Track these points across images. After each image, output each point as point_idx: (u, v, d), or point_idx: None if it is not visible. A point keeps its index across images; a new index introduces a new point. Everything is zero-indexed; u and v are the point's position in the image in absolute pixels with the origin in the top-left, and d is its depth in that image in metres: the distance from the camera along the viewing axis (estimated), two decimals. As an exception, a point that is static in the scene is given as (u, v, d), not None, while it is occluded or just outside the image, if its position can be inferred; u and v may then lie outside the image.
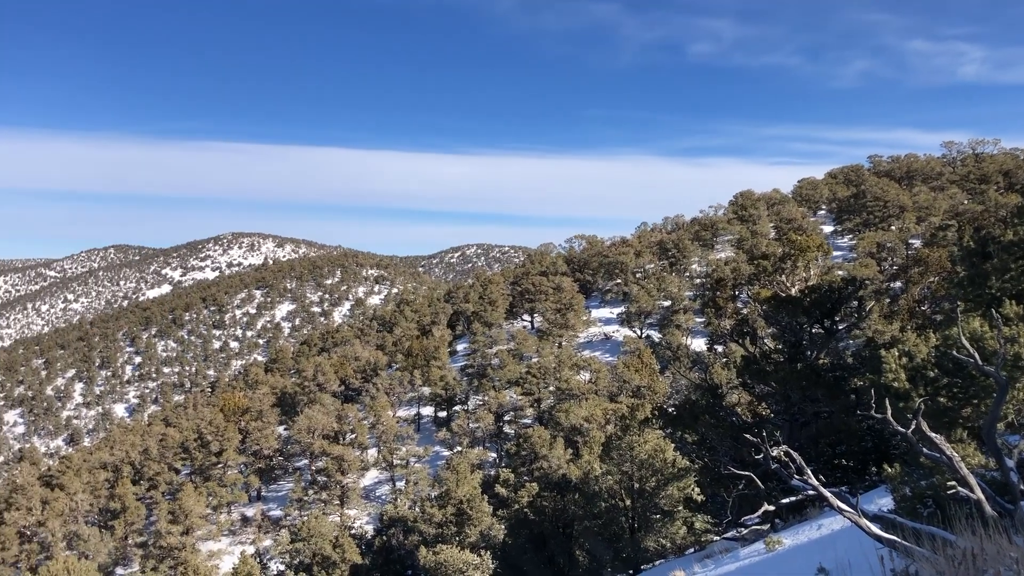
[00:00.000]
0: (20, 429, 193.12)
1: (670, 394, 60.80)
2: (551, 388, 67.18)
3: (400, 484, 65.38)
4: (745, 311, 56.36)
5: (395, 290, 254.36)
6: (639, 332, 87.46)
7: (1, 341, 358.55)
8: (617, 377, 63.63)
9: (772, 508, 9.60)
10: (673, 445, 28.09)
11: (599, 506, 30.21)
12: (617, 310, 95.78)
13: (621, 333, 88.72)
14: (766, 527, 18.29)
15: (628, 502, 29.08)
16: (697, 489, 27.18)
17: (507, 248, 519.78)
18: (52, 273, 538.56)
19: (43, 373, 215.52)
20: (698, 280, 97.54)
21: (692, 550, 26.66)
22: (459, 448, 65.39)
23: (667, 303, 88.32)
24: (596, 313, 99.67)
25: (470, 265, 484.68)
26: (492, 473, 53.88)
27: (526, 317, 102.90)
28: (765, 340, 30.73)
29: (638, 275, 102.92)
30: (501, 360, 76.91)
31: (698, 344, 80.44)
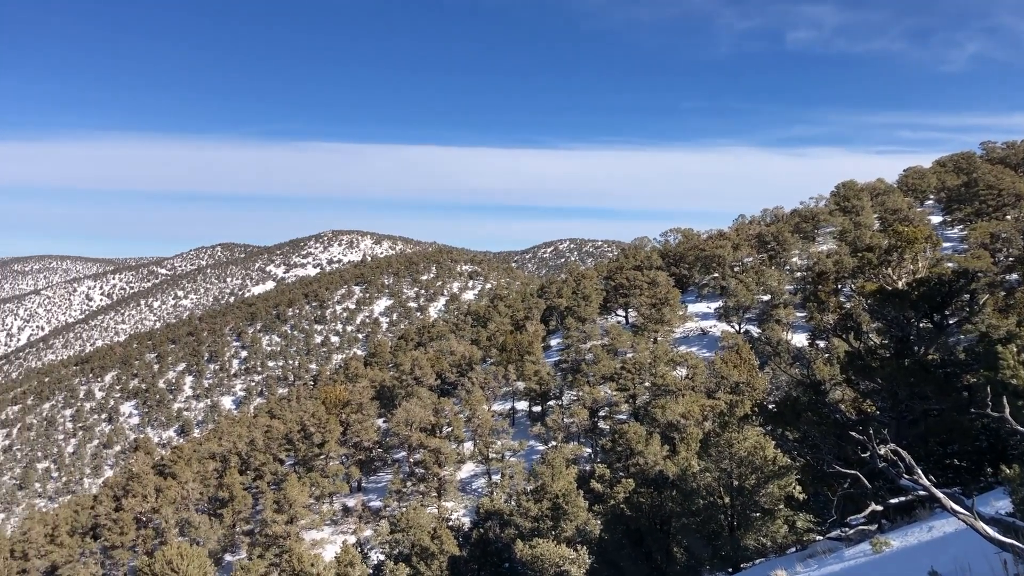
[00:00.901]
0: (135, 420, 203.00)
1: (770, 390, 59.38)
2: (646, 384, 66.54)
3: (496, 478, 65.96)
4: (849, 305, 54.58)
5: (489, 285, 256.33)
6: (737, 327, 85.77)
7: (117, 336, 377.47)
8: (715, 373, 62.52)
9: (879, 508, 9.30)
10: (774, 442, 27.46)
11: (697, 503, 29.82)
12: (714, 305, 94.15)
13: (718, 328, 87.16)
14: (873, 528, 17.71)
15: (727, 499, 28.61)
16: (799, 487, 26.54)
17: (600, 242, 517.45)
18: (163, 271, 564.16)
19: (155, 367, 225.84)
20: (799, 273, 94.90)
21: (793, 549, 26.08)
22: (554, 443, 65.51)
23: (766, 297, 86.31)
24: (692, 308, 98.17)
25: (563, 260, 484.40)
26: (587, 468, 53.79)
27: (620, 312, 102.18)
28: (870, 335, 29.74)
29: (736, 269, 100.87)
30: (595, 355, 76.63)
31: (799, 339, 78.30)
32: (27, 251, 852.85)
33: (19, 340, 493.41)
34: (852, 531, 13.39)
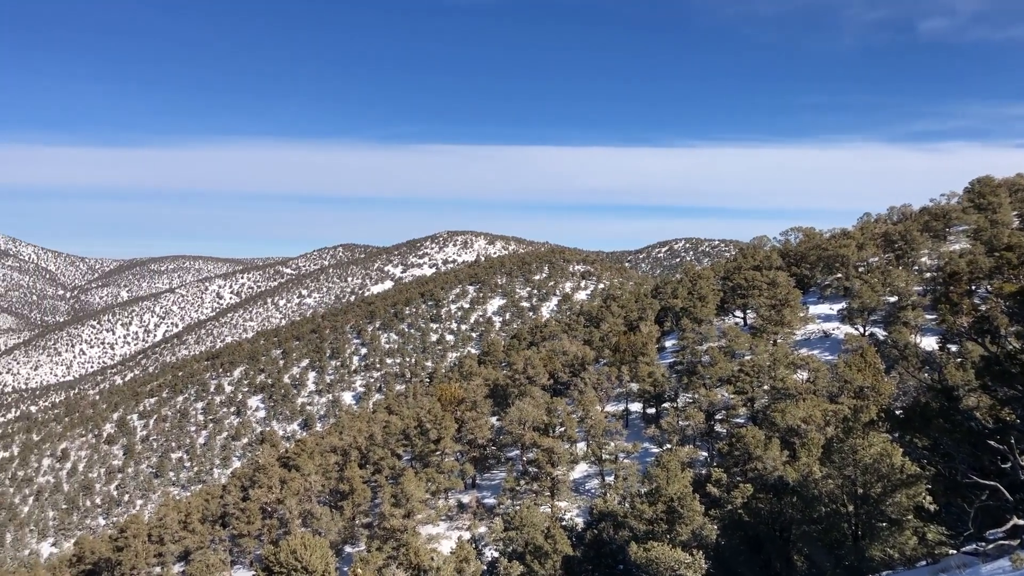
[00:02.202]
0: (261, 414, 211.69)
1: (897, 396, 56.83)
2: (765, 387, 64.79)
3: (609, 479, 65.60)
4: (985, 308, 51.66)
5: (601, 285, 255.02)
6: (862, 329, 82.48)
7: (245, 333, 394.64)
8: (838, 377, 60.28)
9: (1022, 523, 8.79)
10: (902, 450, 26.31)
11: (819, 511, 28.90)
12: (837, 306, 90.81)
13: (842, 330, 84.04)
14: (1014, 543, 16.75)
15: (851, 508, 27.60)
16: (929, 497, 25.34)
17: (717, 242, 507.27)
18: (288, 271, 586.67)
19: (281, 363, 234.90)
20: (928, 274, 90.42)
21: (924, 563, 24.93)
22: (668, 446, 64.63)
23: (893, 299, 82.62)
24: (814, 309, 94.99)
25: (678, 260, 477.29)
26: (703, 472, 52.87)
27: (738, 313, 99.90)
28: (1009, 339, 28.08)
29: (861, 269, 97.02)
30: (712, 357, 75.17)
31: (928, 343, 74.61)
32: (163, 252, 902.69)
33: (155, 336, 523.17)
34: (990, 546, 12.66)
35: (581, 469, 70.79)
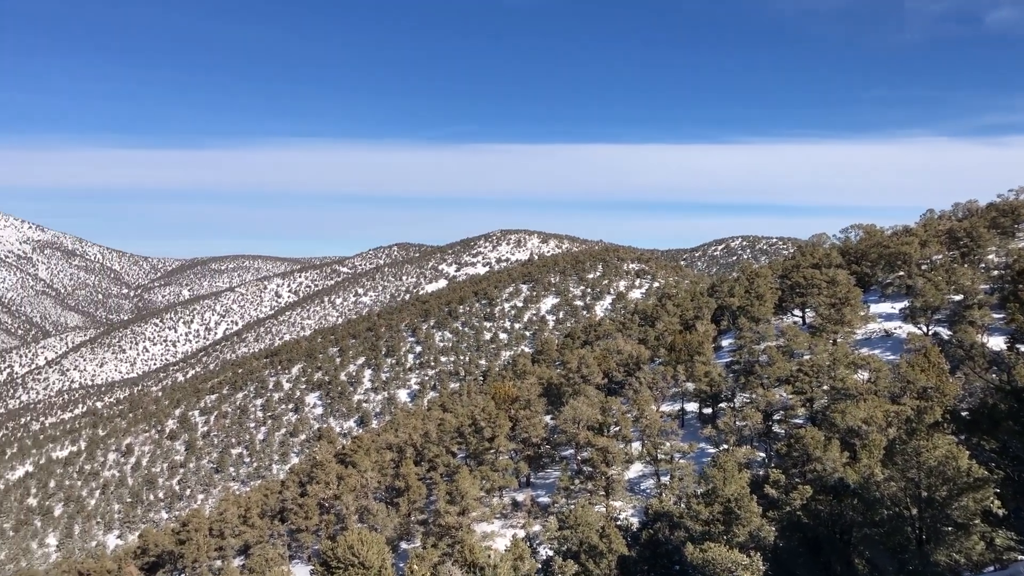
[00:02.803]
0: (319, 411, 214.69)
1: (962, 397, 55.28)
2: (825, 387, 63.59)
3: (665, 479, 65.08)
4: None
5: (656, 284, 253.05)
6: (925, 329, 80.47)
7: (303, 331, 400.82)
8: (900, 377, 58.88)
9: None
10: (968, 452, 25.60)
11: (881, 514, 28.28)
12: (899, 305, 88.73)
13: (904, 330, 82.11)
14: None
15: (914, 511, 26.96)
16: (997, 502, 24.62)
17: (774, 240, 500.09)
18: (344, 269, 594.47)
19: (337, 360, 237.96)
20: (996, 272, 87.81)
21: (992, 568, 24.27)
22: (725, 446, 63.87)
23: (958, 297, 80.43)
24: (875, 308, 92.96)
25: (735, 258, 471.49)
26: (760, 473, 52.14)
27: (796, 312, 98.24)
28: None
29: (924, 267, 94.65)
30: (770, 357, 74.04)
31: (995, 342, 72.46)
32: (223, 251, 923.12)
33: (216, 334, 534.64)
34: (1063, 551, 12.25)
35: (636, 469, 70.35)
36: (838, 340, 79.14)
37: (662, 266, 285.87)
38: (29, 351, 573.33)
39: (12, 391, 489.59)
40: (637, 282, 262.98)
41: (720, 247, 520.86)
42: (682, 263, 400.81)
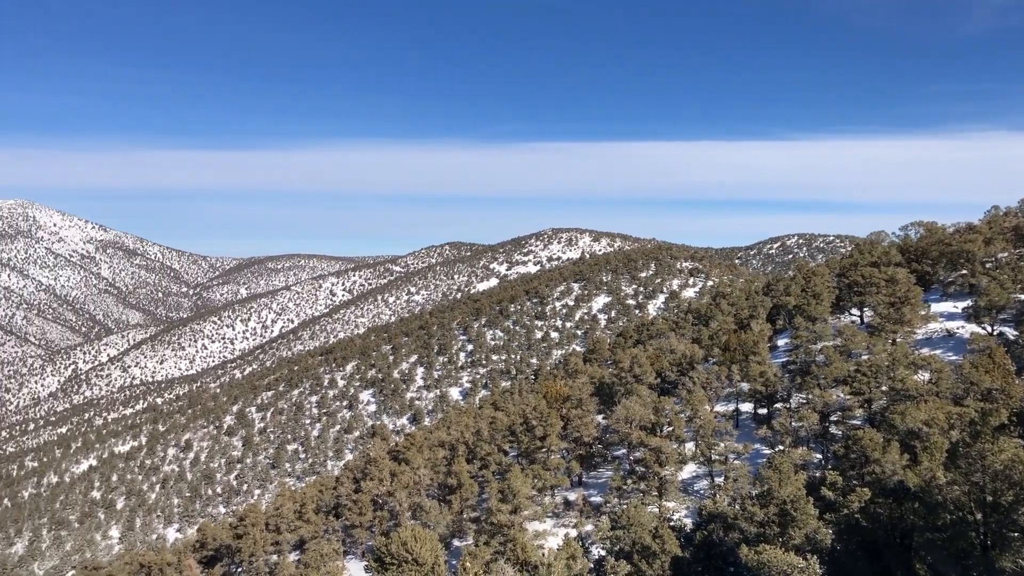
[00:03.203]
0: (372, 408, 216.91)
1: (1029, 399, 53.62)
2: (884, 388, 62.23)
3: (719, 480, 64.37)
4: None
5: (710, 283, 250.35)
6: (989, 329, 78.24)
7: (357, 329, 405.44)
8: (963, 378, 57.32)
9: None
10: (1036, 456, 24.84)
11: (943, 518, 27.59)
12: (962, 304, 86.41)
13: (967, 330, 79.94)
14: None
15: (979, 516, 26.24)
16: (1067, 508, 23.85)
17: (831, 237, 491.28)
18: (397, 268, 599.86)
19: (391, 358, 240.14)
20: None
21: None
22: (780, 447, 62.93)
23: (1024, 296, 78.14)
24: (936, 307, 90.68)
25: (790, 256, 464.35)
26: (817, 475, 51.25)
27: (854, 312, 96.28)
28: None
29: (988, 265, 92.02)
30: (827, 357, 72.70)
31: (1064, 343, 70.11)
32: (279, 251, 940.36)
33: (272, 332, 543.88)
34: None
35: (689, 469, 69.70)
36: (897, 340, 77.38)
37: (716, 264, 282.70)
38: (92, 348, 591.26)
39: (77, 387, 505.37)
40: (690, 281, 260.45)
41: (776, 245, 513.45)
42: (737, 261, 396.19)
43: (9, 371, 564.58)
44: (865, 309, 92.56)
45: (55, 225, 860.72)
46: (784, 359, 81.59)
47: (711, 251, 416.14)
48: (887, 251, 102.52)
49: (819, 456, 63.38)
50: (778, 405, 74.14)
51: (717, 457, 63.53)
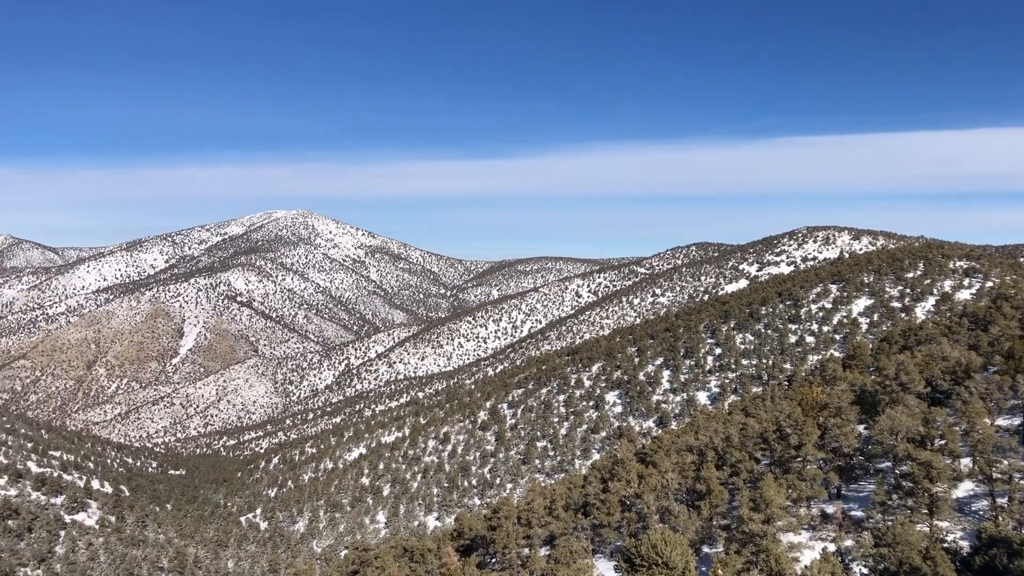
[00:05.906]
0: (618, 409, 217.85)
1: None
2: None
3: (1001, 500, 58.30)
4: None
5: (989, 283, 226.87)
6: None
7: (601, 330, 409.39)
8: None
9: None
10: None
11: None
12: None
13: None
14: None
15: None
16: None
17: None
18: (642, 270, 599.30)
19: (636, 360, 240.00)
20: None
21: None
22: (1078, 468, 55.89)
23: None
24: None
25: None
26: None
27: None
28: None
29: None
30: None
31: None
32: (528, 253, 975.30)
33: (521, 332, 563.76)
34: None
35: (965, 488, 63.70)
36: None
37: (996, 263, 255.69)
38: (362, 345, 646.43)
39: (349, 380, 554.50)
40: (966, 281, 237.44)
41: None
42: (1022, 260, 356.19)
43: (292, 365, 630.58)
44: None
45: (331, 232, 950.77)
46: (1082, 369, 72.43)
47: (990, 249, 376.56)
48: None
49: None
50: (1075, 421, 66.01)
51: (999, 475, 57.62)
